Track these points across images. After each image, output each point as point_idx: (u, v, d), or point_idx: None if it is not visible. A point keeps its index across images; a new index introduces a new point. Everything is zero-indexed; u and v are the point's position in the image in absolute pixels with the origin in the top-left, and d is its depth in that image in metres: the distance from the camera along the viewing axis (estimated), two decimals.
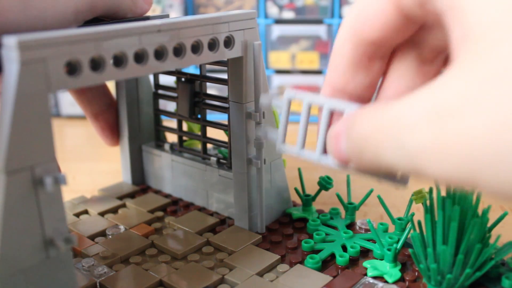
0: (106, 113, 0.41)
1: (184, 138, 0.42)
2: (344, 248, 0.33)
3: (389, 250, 0.31)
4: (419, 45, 0.26)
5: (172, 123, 0.43)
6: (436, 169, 0.19)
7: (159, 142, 0.43)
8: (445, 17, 0.21)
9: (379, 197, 0.35)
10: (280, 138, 0.29)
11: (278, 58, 0.73)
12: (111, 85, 0.43)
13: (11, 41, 0.22)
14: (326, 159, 0.27)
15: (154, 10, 0.71)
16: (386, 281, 0.30)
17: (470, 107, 0.17)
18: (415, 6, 0.23)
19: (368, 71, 0.27)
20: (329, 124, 0.27)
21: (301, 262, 0.32)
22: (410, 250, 0.29)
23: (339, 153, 0.25)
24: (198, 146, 0.44)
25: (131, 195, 0.43)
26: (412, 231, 0.29)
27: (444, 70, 0.20)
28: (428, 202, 0.29)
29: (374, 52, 0.26)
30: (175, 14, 0.73)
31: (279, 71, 0.73)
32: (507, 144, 0.16)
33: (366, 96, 0.28)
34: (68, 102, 0.73)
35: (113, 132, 0.43)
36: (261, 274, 0.31)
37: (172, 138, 0.47)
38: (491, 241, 0.28)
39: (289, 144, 0.28)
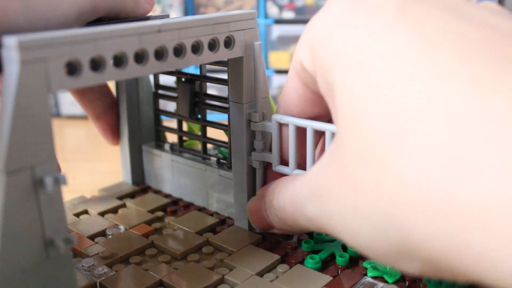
0: (108, 113, 0.41)
1: (184, 138, 0.42)
2: (344, 248, 0.33)
3: None
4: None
5: (172, 123, 0.43)
6: (324, 229, 0.25)
7: (159, 142, 0.43)
8: (326, 100, 0.26)
9: None
10: (275, 161, 0.33)
11: (278, 58, 0.73)
12: (111, 85, 0.43)
13: (11, 41, 0.22)
14: None
15: (154, 10, 0.71)
16: (386, 281, 0.30)
17: (328, 192, 0.23)
18: (313, 84, 0.27)
19: (317, 107, 0.30)
20: (316, 142, 0.31)
21: (301, 262, 0.32)
22: None
23: (261, 222, 0.32)
24: (198, 146, 0.44)
25: (131, 195, 0.43)
26: None
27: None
28: None
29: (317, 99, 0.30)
30: (175, 14, 0.73)
31: (279, 71, 0.73)
32: (344, 222, 0.23)
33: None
34: (68, 102, 0.73)
35: (114, 132, 0.43)
36: (261, 274, 0.31)
37: (172, 138, 0.47)
38: None
39: (282, 166, 0.33)
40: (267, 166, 0.34)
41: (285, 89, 0.30)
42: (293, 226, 0.28)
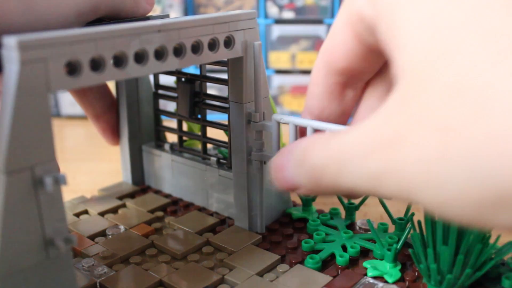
0: (108, 114, 0.42)
1: (184, 138, 0.42)
2: (344, 248, 0.33)
3: (389, 250, 0.31)
4: (386, 78, 0.28)
5: (172, 123, 0.43)
6: (386, 190, 0.21)
7: (159, 142, 0.43)
8: (387, 49, 0.23)
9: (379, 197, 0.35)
10: None
11: (278, 58, 0.73)
12: (111, 85, 0.43)
13: (11, 41, 0.22)
14: None
15: (154, 10, 0.71)
16: (386, 281, 0.30)
17: (404, 138, 0.20)
18: (369, 36, 0.25)
19: (341, 100, 0.29)
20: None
21: (301, 262, 0.32)
22: (410, 250, 0.29)
23: (286, 182, 0.27)
24: (198, 146, 0.44)
25: (131, 195, 0.43)
26: (412, 231, 0.29)
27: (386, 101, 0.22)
28: None
29: (345, 82, 0.28)
30: (175, 14, 0.73)
31: (279, 71, 0.73)
32: (427, 171, 0.19)
33: (340, 123, 0.30)
34: (68, 102, 0.73)
35: (114, 132, 0.43)
36: (261, 274, 0.31)
37: (172, 138, 0.47)
38: (491, 241, 0.28)
39: None
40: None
41: (330, 43, 0.28)
42: (330, 188, 0.25)
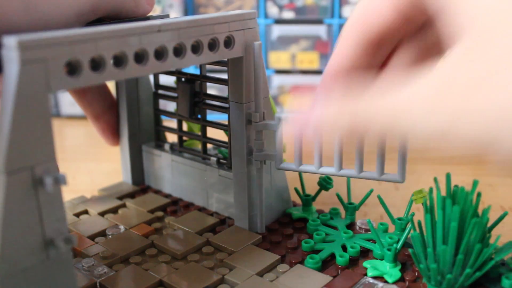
0: (107, 114, 0.41)
1: (184, 138, 0.42)
2: (344, 248, 0.33)
3: (389, 250, 0.31)
4: (420, 39, 0.28)
5: (172, 123, 0.43)
6: (463, 135, 0.20)
7: (159, 142, 0.43)
8: (440, 15, 0.23)
9: (379, 197, 0.35)
10: (278, 159, 0.33)
11: (278, 58, 0.73)
12: (111, 85, 0.43)
13: (11, 41, 0.22)
14: (325, 169, 0.31)
15: (154, 10, 0.71)
16: (386, 281, 0.30)
17: (483, 82, 0.19)
18: (410, 8, 0.25)
19: (373, 57, 0.28)
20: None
21: (301, 262, 0.32)
22: (410, 250, 0.29)
23: (310, 114, 0.25)
24: (198, 146, 0.44)
25: (131, 195, 0.43)
26: (412, 231, 0.29)
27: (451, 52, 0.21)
28: (428, 202, 0.29)
29: (379, 42, 0.28)
30: (175, 14, 0.73)
31: (279, 71, 0.73)
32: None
33: (366, 78, 0.28)
34: (68, 102, 0.73)
35: (114, 133, 0.43)
36: (261, 274, 0.31)
37: (172, 138, 0.47)
38: (491, 241, 0.28)
39: (286, 162, 0.33)
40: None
41: (365, 8, 0.27)
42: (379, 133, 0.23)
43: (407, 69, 0.28)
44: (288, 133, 0.28)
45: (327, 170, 0.32)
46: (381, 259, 0.32)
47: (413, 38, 0.28)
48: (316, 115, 0.26)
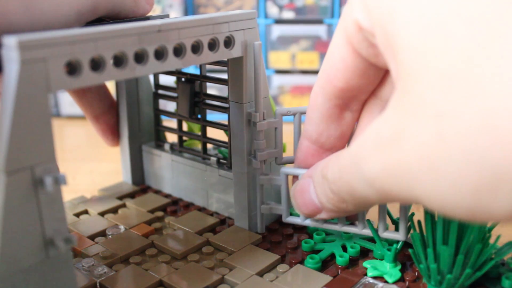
0: (107, 114, 0.42)
1: (184, 138, 0.42)
2: (344, 248, 0.33)
3: (389, 250, 0.31)
4: (381, 98, 0.29)
5: (172, 123, 0.43)
6: (390, 189, 0.22)
7: (159, 142, 0.43)
8: (385, 56, 0.24)
9: None
10: (285, 211, 0.33)
11: (278, 58, 0.73)
12: (111, 85, 0.43)
13: (11, 41, 0.22)
14: (331, 225, 0.32)
15: (154, 10, 0.71)
16: (386, 281, 0.30)
17: (401, 134, 0.20)
18: (367, 47, 0.26)
19: (339, 123, 0.30)
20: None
21: (301, 262, 0.32)
22: (410, 250, 0.29)
23: (310, 204, 0.28)
24: (198, 146, 0.44)
25: (131, 195, 0.43)
26: (412, 231, 0.29)
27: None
28: None
29: (343, 104, 0.29)
30: (175, 14, 0.73)
31: (279, 71, 0.73)
32: (425, 160, 0.19)
33: (338, 147, 0.31)
34: (68, 102, 0.73)
35: (113, 133, 0.43)
36: (261, 274, 0.31)
37: (172, 138, 0.47)
38: (491, 241, 0.28)
39: (291, 216, 0.34)
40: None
41: (327, 63, 0.28)
42: (348, 201, 0.25)
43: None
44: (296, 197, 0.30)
45: (332, 226, 0.32)
46: (381, 259, 0.32)
47: (373, 99, 0.29)
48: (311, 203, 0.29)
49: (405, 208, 0.30)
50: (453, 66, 0.19)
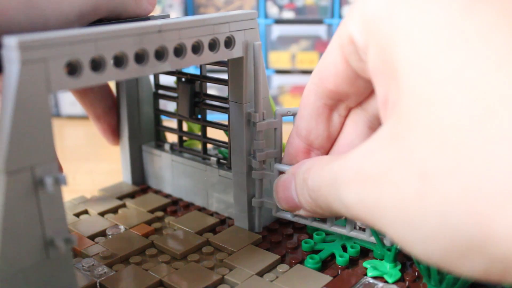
0: (109, 114, 0.42)
1: (184, 138, 0.42)
2: (344, 248, 0.33)
3: (389, 250, 0.31)
4: (366, 110, 0.29)
5: (172, 123, 0.43)
6: (364, 219, 0.22)
7: (159, 142, 0.43)
8: (373, 78, 0.24)
9: None
10: (275, 206, 0.34)
11: (278, 58, 0.73)
12: (111, 85, 0.43)
13: (11, 41, 0.22)
14: (320, 223, 0.33)
15: (154, 10, 0.71)
16: (386, 281, 0.30)
17: (383, 176, 0.21)
18: (357, 61, 0.26)
19: (328, 124, 0.30)
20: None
21: (301, 262, 0.32)
22: None
23: (290, 201, 0.29)
24: (198, 146, 0.44)
25: (131, 195, 0.43)
26: None
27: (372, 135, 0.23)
28: None
29: (333, 105, 0.30)
30: (175, 14, 0.73)
31: (279, 71, 0.73)
32: (402, 211, 0.20)
33: (325, 147, 0.31)
34: (68, 102, 0.73)
35: (115, 133, 0.43)
36: (261, 274, 0.31)
37: (172, 138, 0.47)
38: None
39: (281, 211, 0.34)
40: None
41: (321, 63, 0.28)
42: (325, 210, 0.26)
43: (354, 139, 0.30)
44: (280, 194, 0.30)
45: (319, 224, 0.33)
46: (381, 259, 0.32)
47: (360, 109, 0.30)
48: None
49: None
50: (448, 130, 0.18)
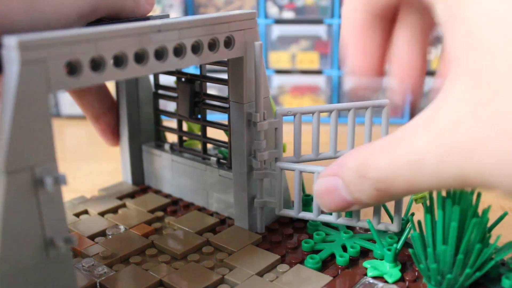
0: (107, 115, 0.42)
1: (184, 138, 0.42)
2: (344, 248, 0.33)
3: (389, 250, 0.31)
4: (420, 12, 0.28)
5: (172, 123, 0.43)
6: (470, 185, 0.22)
7: (159, 142, 0.43)
8: (443, 25, 0.23)
9: None
10: (278, 205, 0.34)
11: (278, 58, 0.73)
12: (111, 86, 0.43)
13: (11, 41, 0.22)
14: (325, 216, 0.33)
15: (154, 10, 0.71)
16: (386, 281, 0.30)
17: (480, 144, 0.20)
18: None
19: (379, 32, 0.29)
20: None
21: (301, 262, 0.32)
22: (410, 250, 0.29)
23: (343, 201, 0.27)
24: (198, 146, 0.44)
25: (131, 195, 0.43)
26: (412, 231, 0.29)
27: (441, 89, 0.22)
28: (428, 202, 0.29)
29: (383, 13, 0.28)
30: (175, 14, 0.73)
31: (279, 71, 0.73)
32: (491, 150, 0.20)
33: (381, 56, 0.29)
34: (68, 102, 0.73)
35: (114, 134, 0.43)
36: (261, 274, 0.31)
37: (172, 138, 0.47)
38: (491, 241, 0.28)
39: (285, 209, 0.34)
40: None
41: None
42: (400, 194, 0.25)
43: (412, 47, 0.28)
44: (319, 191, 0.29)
45: (325, 217, 0.34)
46: (381, 259, 0.32)
47: (413, 12, 0.28)
48: (337, 186, 0.27)
49: (399, 201, 0.31)
50: None
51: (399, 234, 0.34)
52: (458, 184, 0.23)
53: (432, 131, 0.22)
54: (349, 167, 0.27)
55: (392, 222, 0.35)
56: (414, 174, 0.23)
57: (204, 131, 0.39)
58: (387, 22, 0.29)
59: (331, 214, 0.33)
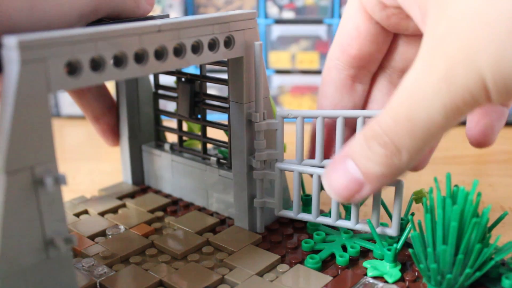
0: (107, 115, 0.42)
1: (184, 138, 0.42)
2: (344, 248, 0.33)
3: (389, 250, 0.31)
4: (388, 68, 0.32)
5: (172, 123, 0.43)
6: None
7: (159, 142, 0.43)
8: (405, 7, 0.26)
9: None
10: (278, 205, 0.34)
11: (278, 58, 0.73)
12: (111, 85, 0.43)
13: (11, 41, 0.22)
14: (324, 218, 0.34)
15: (154, 10, 0.71)
16: (386, 281, 0.30)
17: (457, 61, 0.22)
18: (378, 10, 0.28)
19: (352, 94, 0.32)
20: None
21: (301, 262, 0.32)
22: (410, 250, 0.29)
23: (354, 181, 0.27)
24: (198, 146, 0.44)
25: (131, 195, 0.43)
26: (412, 231, 0.29)
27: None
28: (428, 202, 0.29)
29: (355, 75, 0.31)
30: (175, 14, 0.73)
31: (279, 71, 0.73)
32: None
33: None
34: (68, 102, 0.73)
35: (114, 134, 0.43)
36: (261, 274, 0.31)
37: (172, 138, 0.47)
38: (491, 241, 0.28)
39: (284, 210, 0.35)
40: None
41: (341, 34, 0.31)
42: (406, 144, 0.25)
43: (382, 101, 0.32)
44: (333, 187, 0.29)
45: (324, 220, 0.34)
46: (381, 259, 0.32)
47: (382, 71, 0.32)
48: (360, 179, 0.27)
49: (398, 203, 0.31)
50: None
51: (399, 234, 0.34)
52: (461, 98, 0.23)
53: (410, 80, 0.24)
54: (356, 139, 0.26)
55: (391, 221, 0.35)
56: (412, 112, 0.24)
57: (204, 131, 0.39)
58: (367, 75, 0.32)
59: (329, 215, 0.33)
